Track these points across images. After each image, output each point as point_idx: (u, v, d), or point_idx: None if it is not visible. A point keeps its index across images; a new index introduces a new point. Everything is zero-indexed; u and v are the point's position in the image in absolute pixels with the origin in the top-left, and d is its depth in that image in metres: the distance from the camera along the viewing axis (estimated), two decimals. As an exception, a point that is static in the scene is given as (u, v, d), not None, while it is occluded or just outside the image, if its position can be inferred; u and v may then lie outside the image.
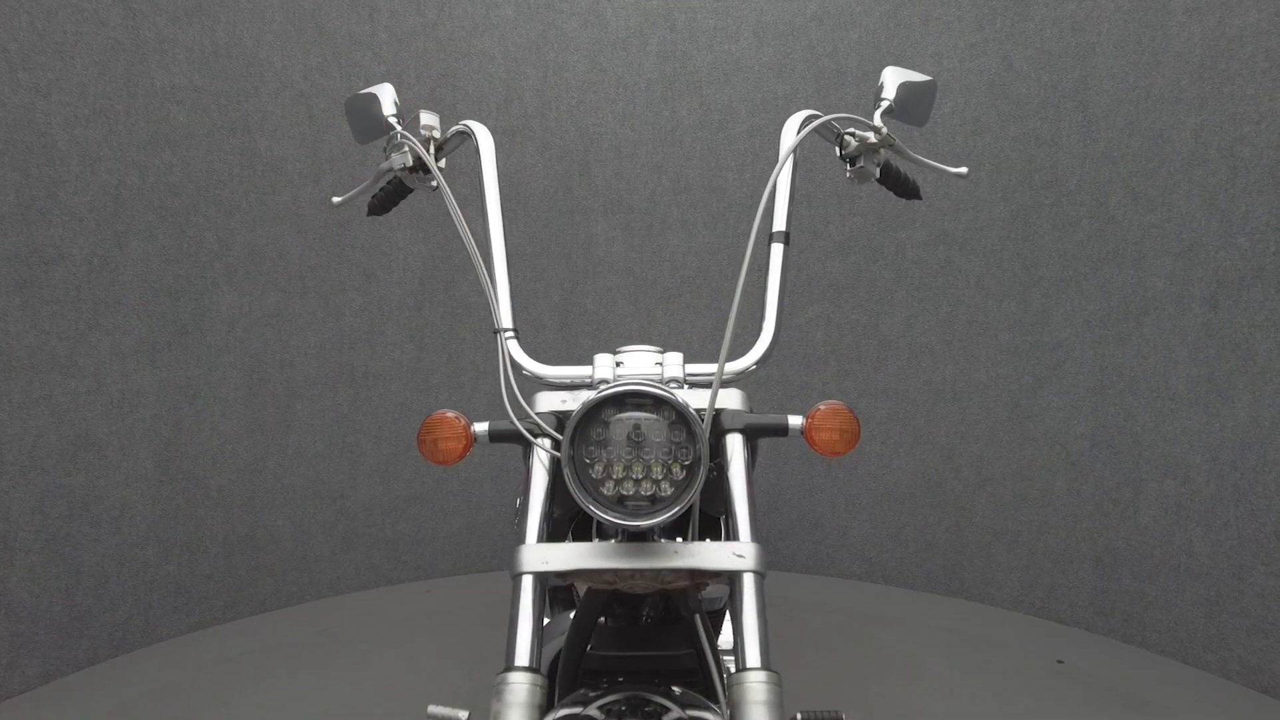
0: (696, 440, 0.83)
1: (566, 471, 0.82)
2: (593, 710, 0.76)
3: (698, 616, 1.04)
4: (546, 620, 1.30)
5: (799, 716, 1.09)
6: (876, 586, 3.10)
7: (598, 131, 3.24)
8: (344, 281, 2.96)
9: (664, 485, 0.85)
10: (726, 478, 1.00)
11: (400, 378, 3.09)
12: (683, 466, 0.84)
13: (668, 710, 0.75)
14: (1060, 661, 2.40)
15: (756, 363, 1.10)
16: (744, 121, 3.18)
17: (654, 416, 0.85)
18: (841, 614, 2.78)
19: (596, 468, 0.85)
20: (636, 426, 0.84)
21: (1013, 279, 2.79)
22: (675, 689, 0.81)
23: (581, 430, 0.84)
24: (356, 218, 2.98)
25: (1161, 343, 2.42)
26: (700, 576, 0.94)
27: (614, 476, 0.84)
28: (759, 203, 0.95)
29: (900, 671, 2.32)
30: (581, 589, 1.23)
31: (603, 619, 1.17)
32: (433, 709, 0.95)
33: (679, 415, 0.84)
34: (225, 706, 2.12)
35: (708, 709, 0.76)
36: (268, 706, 2.13)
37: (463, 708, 0.92)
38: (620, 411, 0.85)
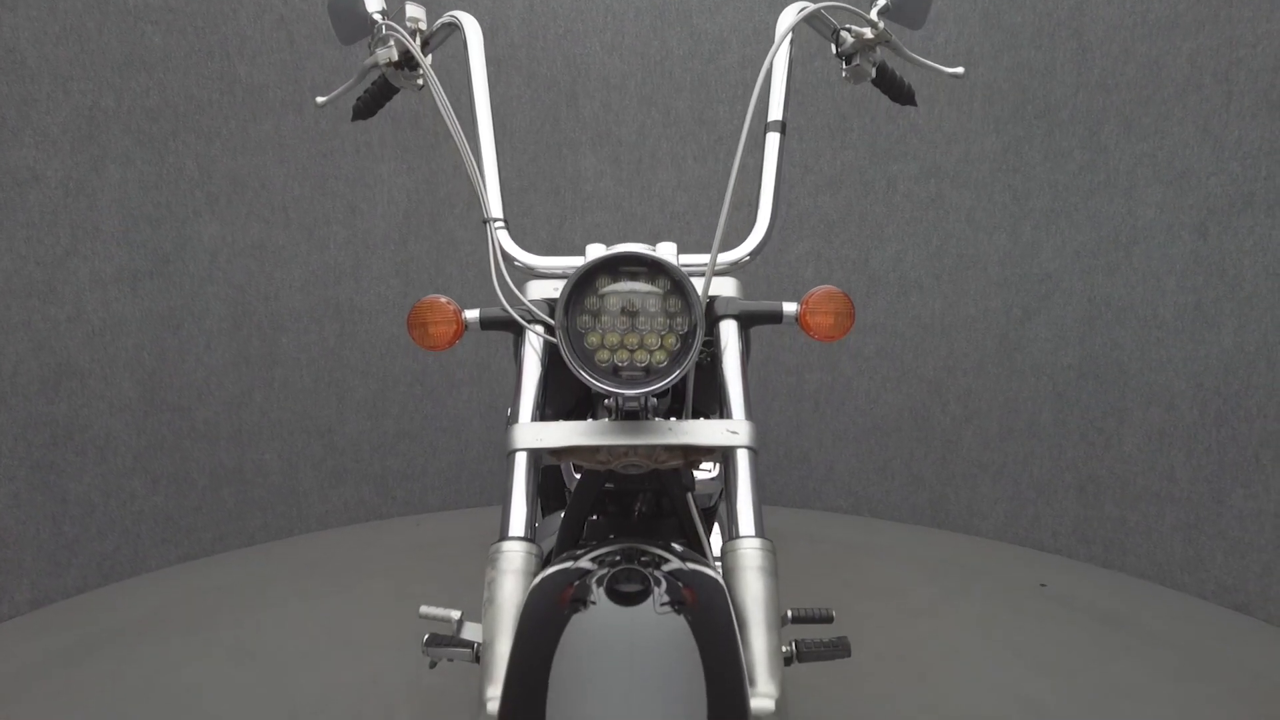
0: (692, 309, 0.82)
1: (560, 337, 0.81)
2: (585, 562, 0.75)
3: (690, 498, 1.04)
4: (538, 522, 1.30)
5: (789, 614, 1.10)
6: (863, 520, 3.13)
7: (585, 62, 3.18)
8: (327, 214, 2.91)
9: (658, 356, 0.84)
10: (721, 364, 0.99)
11: (386, 313, 3.06)
12: (678, 336, 0.83)
13: (666, 561, 0.75)
14: (1043, 585, 2.44)
15: (750, 253, 1.09)
16: (735, 52, 3.12)
17: (648, 286, 0.83)
18: (828, 544, 2.81)
19: (591, 338, 0.83)
20: (630, 301, 0.83)
21: (1003, 211, 2.78)
22: (675, 545, 0.81)
23: (575, 300, 0.83)
24: (340, 149, 2.92)
25: (1150, 272, 2.43)
26: (694, 454, 0.93)
27: (608, 346, 0.83)
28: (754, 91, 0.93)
29: (886, 595, 2.36)
30: (572, 488, 1.23)
31: (595, 516, 1.17)
32: (425, 609, 0.94)
33: (674, 284, 0.82)
34: (216, 631, 2.13)
35: (708, 566, 0.76)
36: (259, 631, 2.14)
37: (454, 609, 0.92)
38: (615, 282, 0.83)
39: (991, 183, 2.79)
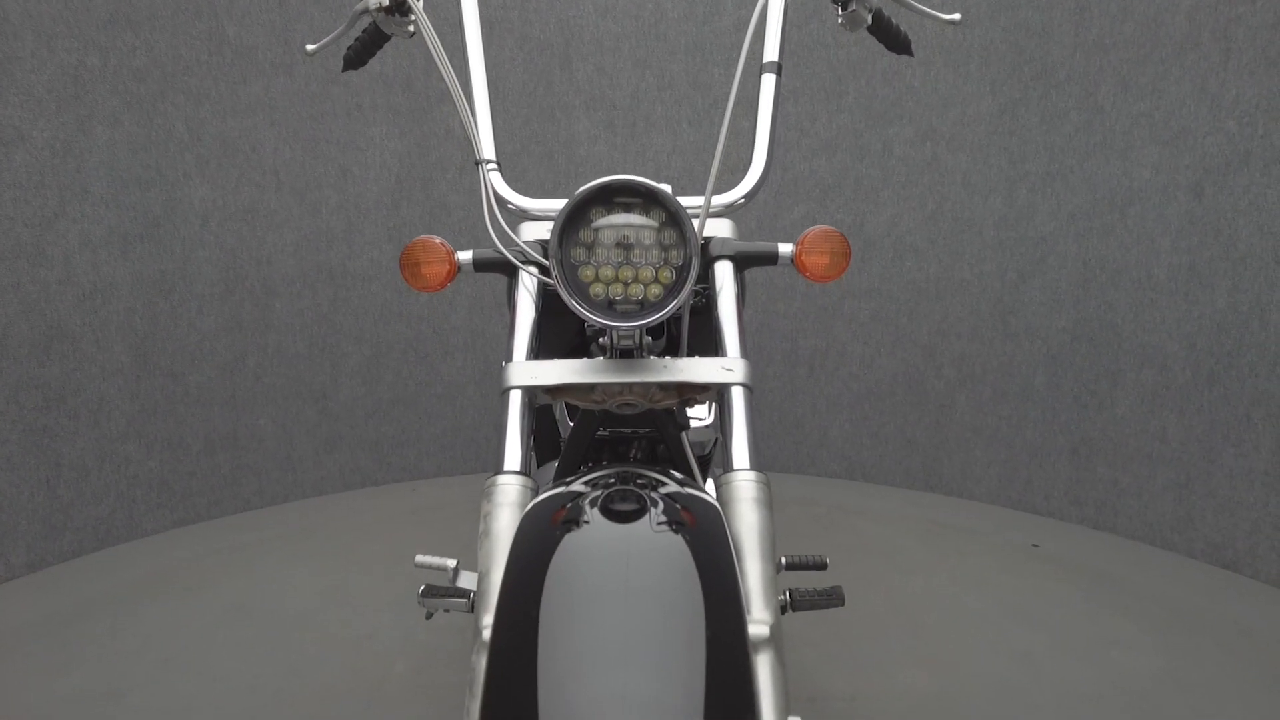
0: (688, 242, 0.81)
1: (554, 269, 0.80)
2: (578, 486, 0.75)
3: (684, 437, 1.04)
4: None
5: (784, 560, 1.10)
6: (857, 484, 3.15)
7: (579, 24, 3.14)
8: (319, 178, 2.89)
9: (654, 290, 0.83)
10: (716, 305, 0.99)
11: (379, 278, 3.05)
12: (673, 269, 0.83)
13: (663, 485, 0.75)
14: (1036, 545, 2.46)
15: (745, 196, 1.08)
16: (730, 14, 3.08)
17: (644, 219, 0.83)
18: (823, 507, 2.83)
19: (585, 272, 0.83)
20: (625, 234, 0.82)
21: (999, 174, 2.77)
22: (673, 473, 0.81)
23: (569, 233, 0.82)
24: (331, 112, 2.89)
25: (1145, 233, 2.43)
26: (689, 391, 0.93)
27: (603, 280, 0.82)
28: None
29: (880, 555, 2.38)
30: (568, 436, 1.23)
31: (589, 464, 1.17)
32: (420, 559, 0.94)
33: (669, 216, 0.82)
34: (212, 591, 2.14)
35: (705, 492, 0.76)
36: (255, 592, 2.14)
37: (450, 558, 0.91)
38: (609, 214, 0.82)
39: (987, 145, 2.78)
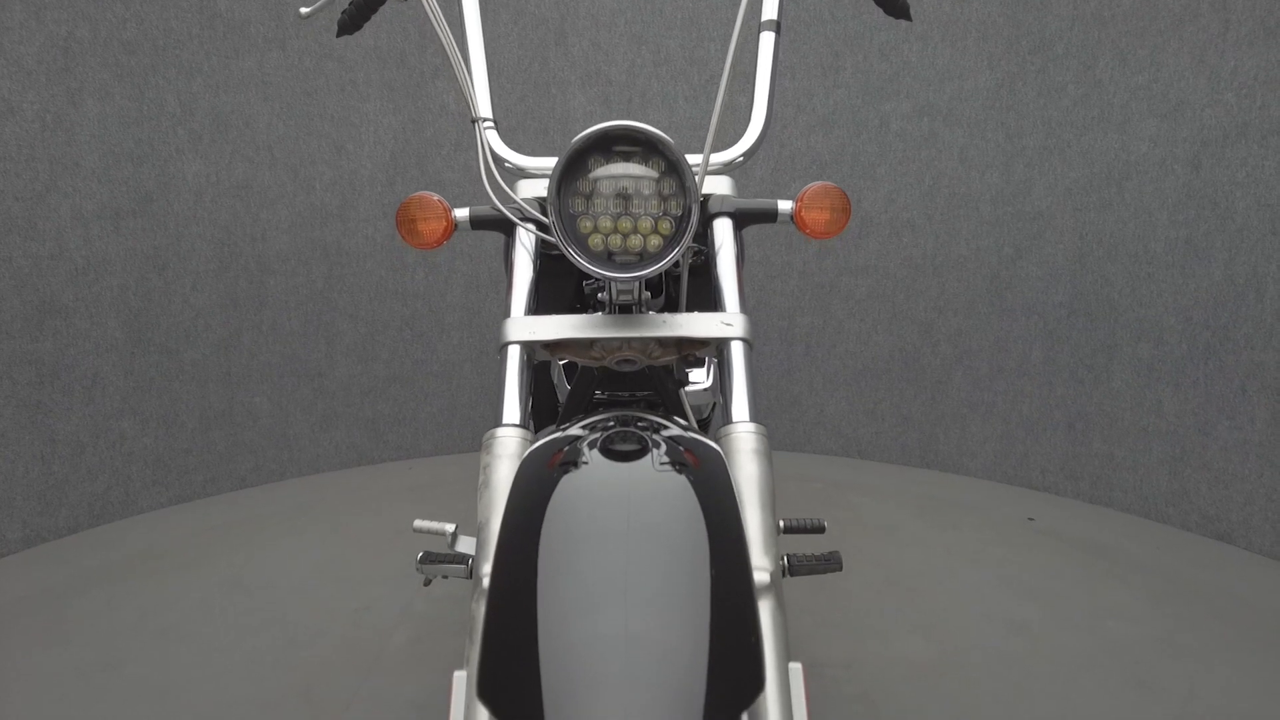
0: (687, 192, 0.80)
1: (552, 217, 0.79)
2: (576, 429, 0.74)
3: (683, 394, 1.03)
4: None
5: (782, 524, 1.10)
6: (853, 461, 3.15)
7: None
8: (313, 154, 2.86)
9: (653, 241, 0.82)
10: (715, 262, 0.98)
11: (374, 256, 3.03)
12: (672, 220, 0.82)
13: (665, 428, 0.74)
14: (1031, 519, 2.47)
15: (744, 154, 1.07)
16: (726, -11, 3.06)
17: (642, 168, 0.82)
18: (819, 483, 2.83)
19: (584, 224, 0.82)
20: (624, 184, 0.81)
21: (996, 149, 2.76)
22: (676, 419, 0.80)
23: (568, 183, 0.81)
24: (324, 87, 2.86)
25: (1142, 207, 2.42)
26: (689, 347, 0.93)
27: (601, 231, 0.82)
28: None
29: (876, 529, 2.38)
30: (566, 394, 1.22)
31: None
32: (419, 523, 0.94)
33: (669, 165, 0.81)
34: (209, 566, 2.14)
35: (706, 438, 0.75)
36: (252, 566, 2.14)
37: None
38: (608, 163, 0.82)
39: (985, 120, 2.77)
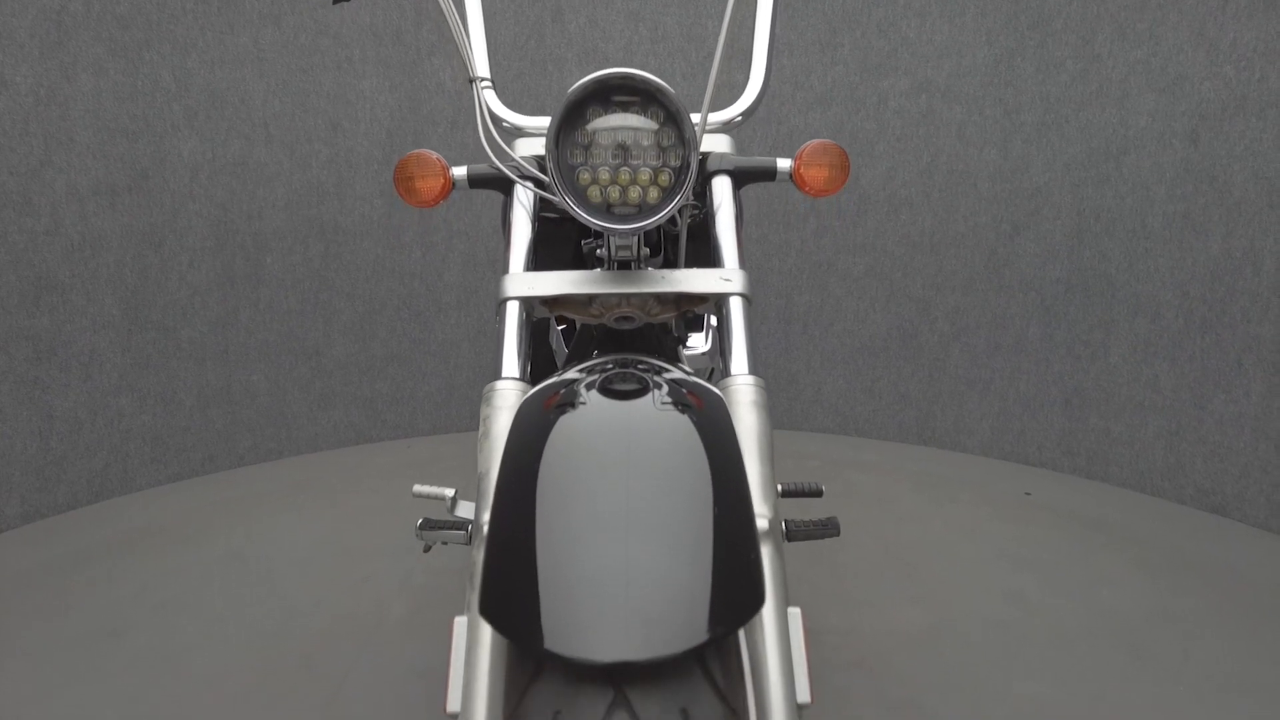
0: (686, 142, 0.80)
1: (551, 169, 0.79)
2: (573, 373, 0.74)
3: (681, 351, 1.03)
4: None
5: (780, 488, 1.10)
6: (850, 439, 3.16)
7: (571, -24, 3.09)
8: (309, 131, 2.85)
9: (652, 193, 0.82)
10: (714, 220, 0.98)
11: (371, 234, 3.02)
12: (671, 172, 0.82)
13: (667, 370, 0.73)
14: (1028, 494, 2.48)
15: (743, 113, 1.07)
16: (724, -35, 3.04)
17: (641, 119, 0.81)
18: (816, 460, 2.84)
19: (582, 176, 0.82)
20: (623, 135, 0.81)
21: (994, 126, 2.75)
22: (680, 365, 0.80)
23: (566, 134, 0.81)
24: (320, 64, 2.84)
25: (1140, 182, 2.42)
26: (688, 303, 0.93)
27: (599, 183, 0.81)
28: None
29: (874, 504, 2.39)
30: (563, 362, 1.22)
31: None
32: (418, 488, 0.94)
33: (668, 115, 0.81)
34: (208, 541, 2.14)
35: (708, 383, 0.75)
36: (251, 540, 2.15)
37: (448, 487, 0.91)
38: (607, 113, 0.81)
39: (983, 97, 2.76)
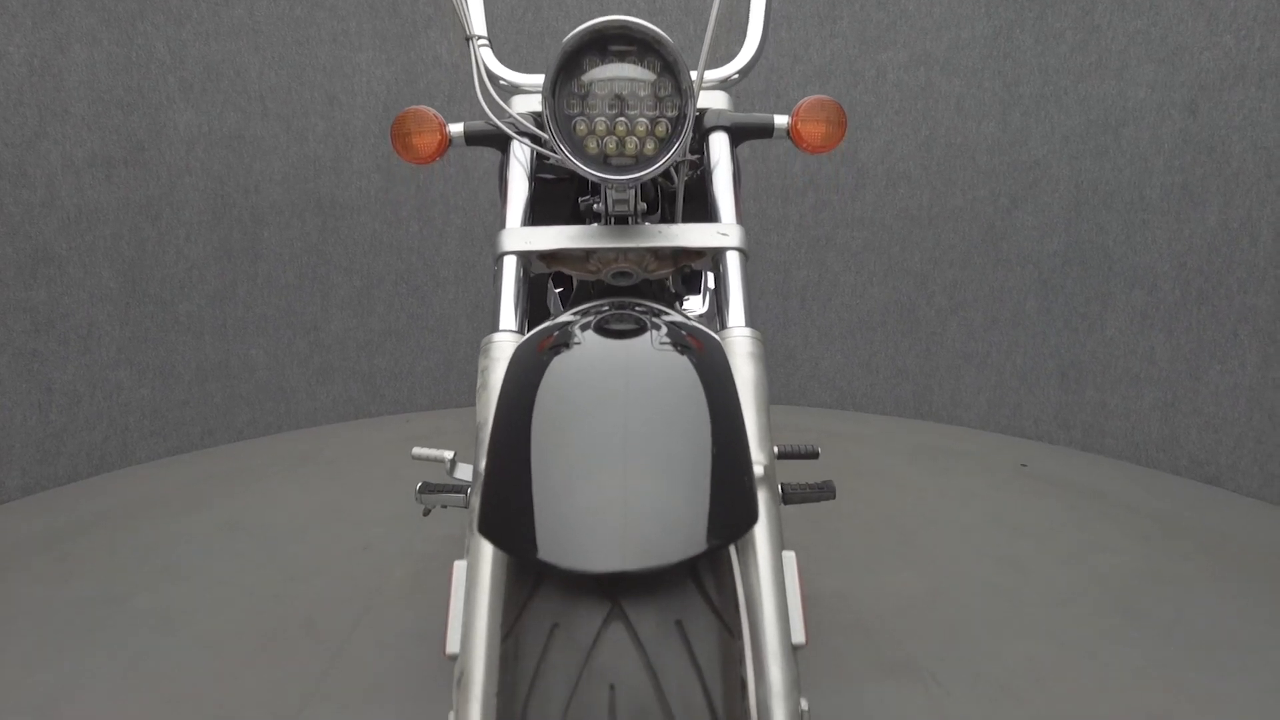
0: (683, 93, 0.80)
1: (547, 120, 0.79)
2: (567, 316, 0.74)
3: (679, 305, 1.04)
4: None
5: (777, 450, 1.11)
6: (848, 413, 3.18)
7: (568, -52, 3.07)
8: (306, 105, 2.84)
9: (649, 145, 0.82)
10: (711, 176, 0.98)
11: (368, 209, 3.01)
12: (668, 122, 0.82)
13: (665, 313, 0.74)
14: (1024, 465, 2.50)
15: (740, 71, 1.07)
16: (722, -64, 3.01)
17: (638, 69, 0.81)
18: (813, 433, 2.85)
19: (579, 127, 0.82)
20: (619, 85, 0.81)
21: (993, 99, 2.74)
22: (683, 311, 0.80)
23: (562, 84, 0.81)
24: (316, 37, 2.83)
25: (1138, 153, 2.42)
26: (685, 258, 0.93)
27: (596, 134, 0.81)
28: None
29: (871, 475, 2.41)
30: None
31: None
32: (417, 450, 0.94)
33: (664, 65, 0.80)
34: (210, 510, 2.15)
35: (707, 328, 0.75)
36: (250, 511, 2.16)
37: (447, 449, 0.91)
38: (604, 63, 0.81)
39: (982, 69, 2.75)
